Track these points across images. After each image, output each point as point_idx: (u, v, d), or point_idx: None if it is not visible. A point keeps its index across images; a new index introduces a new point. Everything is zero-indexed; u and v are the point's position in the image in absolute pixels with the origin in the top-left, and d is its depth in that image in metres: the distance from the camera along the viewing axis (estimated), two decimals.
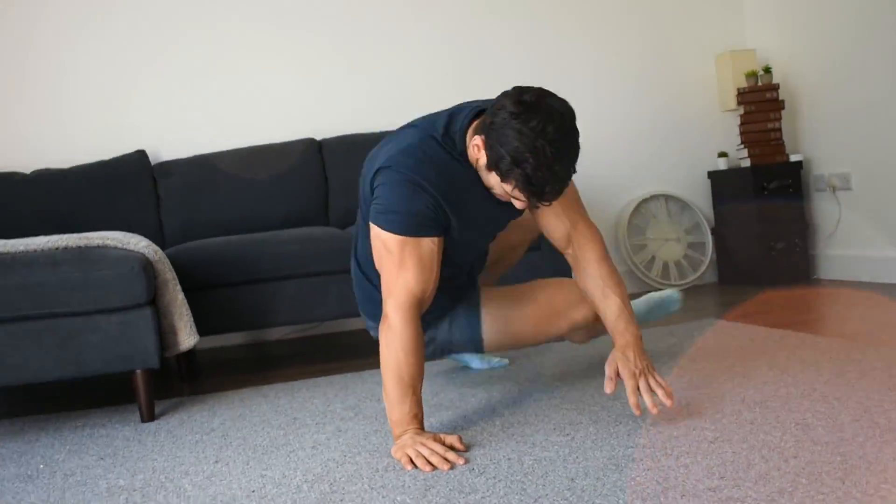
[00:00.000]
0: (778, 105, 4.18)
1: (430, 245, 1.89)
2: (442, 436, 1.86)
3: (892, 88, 3.73)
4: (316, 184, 3.76)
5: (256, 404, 2.52)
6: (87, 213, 3.49)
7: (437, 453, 1.77)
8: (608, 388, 1.92)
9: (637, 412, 1.86)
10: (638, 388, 1.88)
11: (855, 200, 4.03)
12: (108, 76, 3.77)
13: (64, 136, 3.73)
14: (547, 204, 1.80)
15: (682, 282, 4.40)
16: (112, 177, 3.57)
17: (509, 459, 1.76)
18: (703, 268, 4.46)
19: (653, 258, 4.41)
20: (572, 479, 1.60)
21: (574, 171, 1.76)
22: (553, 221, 2.03)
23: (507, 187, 1.75)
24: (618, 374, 1.92)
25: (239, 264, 3.06)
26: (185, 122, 3.85)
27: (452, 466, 1.74)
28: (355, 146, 3.83)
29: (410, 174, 1.83)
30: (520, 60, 4.26)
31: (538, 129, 1.66)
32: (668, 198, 4.49)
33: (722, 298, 3.91)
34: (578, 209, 2.04)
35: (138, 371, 2.42)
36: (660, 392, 1.88)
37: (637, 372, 1.90)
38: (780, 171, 4.16)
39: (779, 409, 1.93)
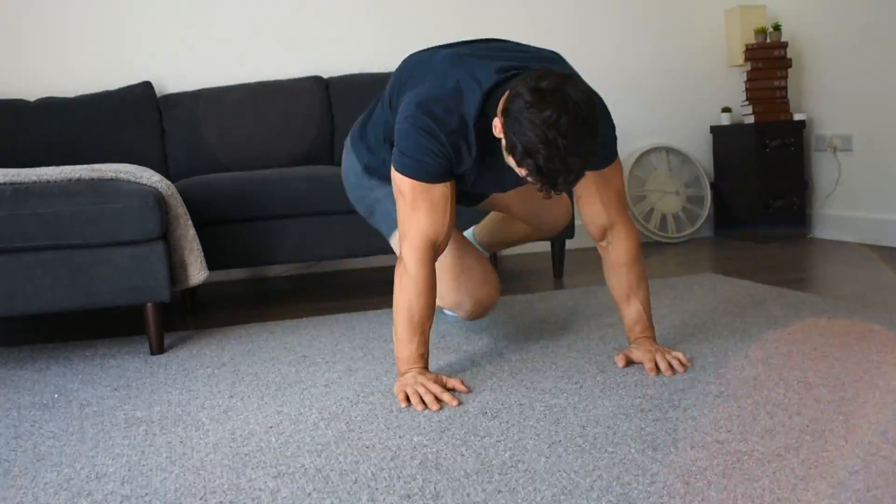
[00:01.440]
0: (785, 63, 4.18)
1: (442, 189, 1.91)
2: (444, 378, 1.92)
3: None
4: (322, 122, 3.76)
5: (264, 340, 2.56)
6: (91, 143, 3.48)
7: (432, 393, 1.83)
8: (619, 363, 2.05)
9: (653, 374, 1.97)
10: (655, 363, 1.99)
11: (855, 162, 4.06)
12: (113, 6, 3.72)
13: (67, 65, 3.69)
14: (560, 192, 1.78)
15: (679, 234, 4.45)
16: (117, 107, 3.55)
17: (521, 405, 1.81)
18: (701, 221, 4.50)
19: (651, 210, 4.45)
20: (584, 427, 1.65)
21: (592, 161, 1.74)
22: (593, 211, 2.04)
23: (522, 172, 1.75)
24: (629, 362, 2.05)
25: (245, 201, 3.07)
26: (191, 54, 3.82)
27: (441, 408, 1.80)
28: (361, 86, 3.82)
29: (432, 124, 1.83)
30: (528, 3, 4.23)
31: (550, 121, 1.62)
32: (669, 150, 4.51)
33: (719, 253, 3.96)
34: (620, 206, 2.04)
35: (149, 304, 2.45)
36: (675, 363, 1.98)
37: (653, 350, 2.02)
38: (782, 129, 4.18)
39: (781, 366, 1.98)
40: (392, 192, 2.07)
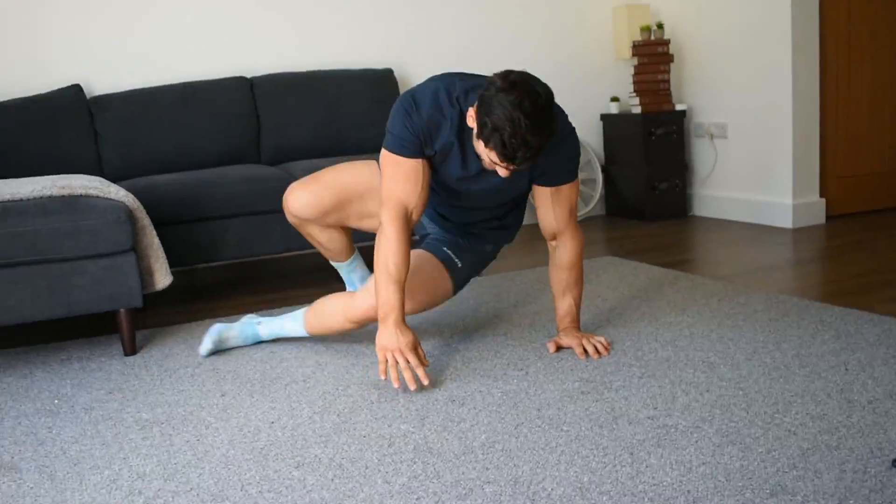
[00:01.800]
0: (668, 58, 4.64)
1: (414, 164, 2.23)
2: (416, 340, 2.21)
3: (767, 49, 4.24)
4: (248, 121, 3.96)
5: None
6: (25, 147, 3.57)
7: (410, 369, 2.15)
8: (551, 348, 2.44)
9: (582, 357, 2.36)
10: (583, 347, 2.38)
11: (729, 148, 4.58)
12: (37, 9, 3.79)
13: None
14: (517, 167, 2.08)
15: None
16: (49, 111, 3.65)
17: (481, 392, 2.16)
18: (594, 202, 4.94)
19: None
20: (539, 409, 2.02)
21: (547, 144, 2.05)
22: (548, 218, 2.39)
23: (489, 154, 2.06)
24: (559, 348, 2.44)
25: (188, 203, 3.28)
26: (118, 56, 3.93)
27: (419, 389, 2.15)
28: (285, 85, 4.05)
29: (412, 104, 2.18)
30: (433, 5, 4.52)
31: (516, 103, 1.97)
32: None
33: (613, 233, 4.41)
34: (571, 217, 2.40)
35: (122, 310, 2.66)
36: (600, 347, 2.38)
37: (579, 336, 2.42)
38: (666, 118, 4.65)
39: (687, 347, 2.41)
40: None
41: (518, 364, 2.36)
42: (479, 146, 2.10)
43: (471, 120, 2.10)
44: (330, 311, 2.48)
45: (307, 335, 2.58)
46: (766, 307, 2.75)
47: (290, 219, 2.60)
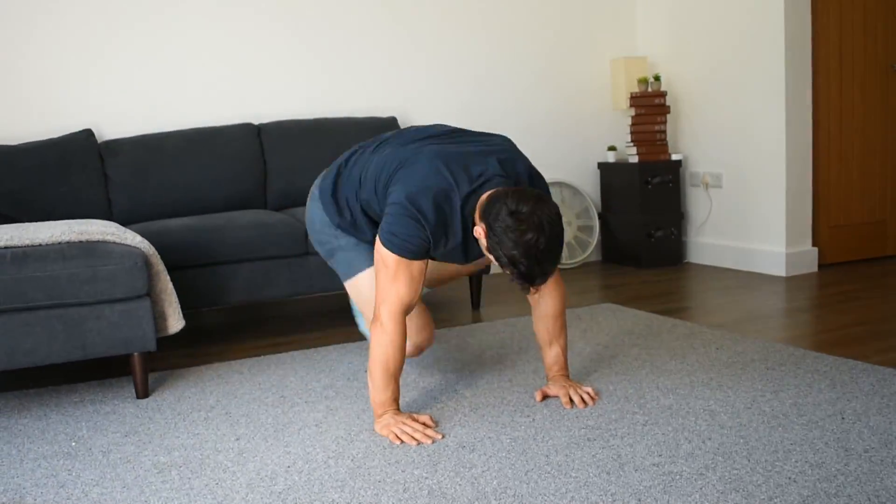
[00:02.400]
0: (664, 109, 4.77)
1: (419, 266, 2.31)
2: (415, 415, 2.32)
3: (761, 102, 4.37)
4: (255, 167, 4.06)
5: (237, 381, 2.86)
6: (38, 190, 3.65)
7: (419, 430, 2.22)
8: (537, 397, 2.51)
9: (568, 407, 2.43)
10: (569, 397, 2.46)
11: (724, 197, 4.69)
12: (51, 55, 3.89)
13: (8, 115, 3.84)
14: (536, 287, 2.21)
15: (573, 260, 4.97)
16: (61, 155, 3.74)
17: (490, 438, 2.22)
18: (591, 248, 5.04)
19: None
20: (547, 456, 2.08)
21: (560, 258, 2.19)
22: None
23: (504, 270, 2.17)
24: (546, 396, 2.51)
25: (199, 248, 3.35)
26: (128, 102, 4.03)
27: (434, 441, 2.21)
28: (291, 132, 4.15)
29: (419, 216, 2.23)
30: (441, 55, 4.65)
31: (531, 242, 2.07)
32: (561, 185, 5.02)
33: (610, 280, 4.50)
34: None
35: (136, 353, 2.72)
36: (585, 396, 2.46)
37: (567, 386, 2.49)
38: (662, 167, 4.77)
39: (688, 395, 2.48)
40: (354, 243, 2.58)
41: (524, 410, 2.43)
42: (488, 254, 2.21)
43: (480, 235, 2.19)
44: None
45: None
46: (763, 356, 2.83)
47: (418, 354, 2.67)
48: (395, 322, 2.29)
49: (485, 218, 2.15)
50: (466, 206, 2.25)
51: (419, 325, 2.62)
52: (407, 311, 2.32)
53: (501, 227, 2.09)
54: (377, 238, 2.33)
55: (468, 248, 2.36)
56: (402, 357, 2.31)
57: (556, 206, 2.15)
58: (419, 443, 2.20)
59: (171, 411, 2.59)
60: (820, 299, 3.76)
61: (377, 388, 2.31)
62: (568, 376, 2.56)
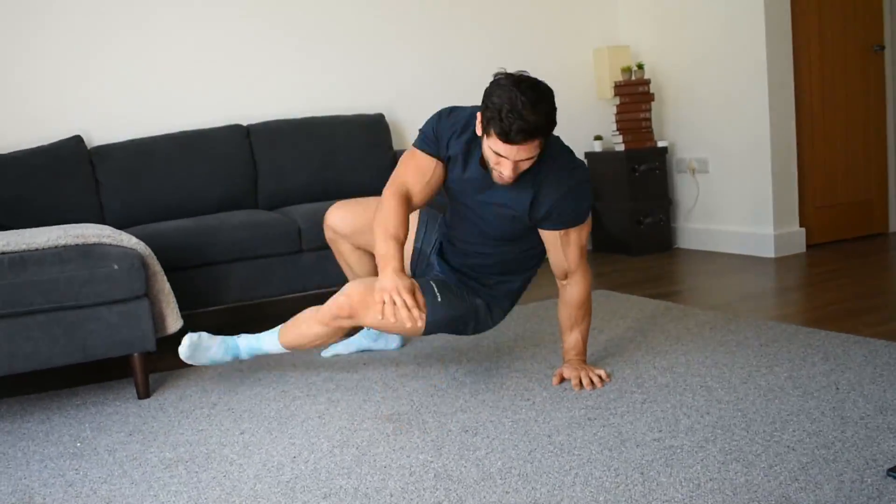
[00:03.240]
0: (649, 97, 4.81)
1: (427, 160, 2.44)
2: (415, 288, 2.34)
3: (744, 87, 4.42)
4: (245, 168, 4.07)
5: (237, 378, 2.88)
6: (28, 198, 3.65)
7: (406, 307, 2.26)
8: (554, 381, 2.53)
9: (577, 388, 2.46)
10: (580, 379, 2.47)
11: (711, 182, 4.74)
12: (38, 64, 3.90)
13: None
14: (520, 151, 2.16)
15: None
16: (51, 162, 3.74)
17: (492, 422, 2.25)
18: None
19: None
20: (549, 436, 2.11)
21: (544, 127, 2.16)
22: (559, 257, 2.48)
23: (491, 144, 2.18)
24: (562, 380, 2.53)
25: (193, 249, 3.37)
26: (117, 107, 4.03)
27: (412, 324, 2.27)
28: (280, 131, 4.17)
29: (449, 110, 2.44)
30: (426, 50, 4.68)
31: (514, 84, 2.14)
32: None
33: (602, 268, 4.53)
34: (581, 256, 2.49)
35: (136, 354, 2.73)
36: (595, 379, 2.47)
37: (579, 369, 2.51)
38: (648, 155, 4.81)
39: (684, 374, 2.51)
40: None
41: (524, 395, 2.46)
42: (484, 145, 2.23)
43: (479, 128, 2.25)
44: (302, 318, 2.61)
45: (283, 348, 2.66)
46: (757, 333, 2.87)
47: (327, 233, 2.82)
48: (394, 196, 2.41)
49: (483, 97, 2.22)
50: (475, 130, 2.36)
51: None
52: (407, 194, 2.42)
53: (491, 87, 2.18)
54: None
55: (468, 171, 2.40)
56: (401, 222, 2.38)
57: (546, 84, 2.21)
58: (396, 321, 2.27)
59: (173, 410, 2.61)
60: (809, 278, 3.80)
61: (378, 243, 2.38)
62: (584, 361, 2.58)
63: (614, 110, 4.89)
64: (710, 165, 4.72)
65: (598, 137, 5.05)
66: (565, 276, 2.52)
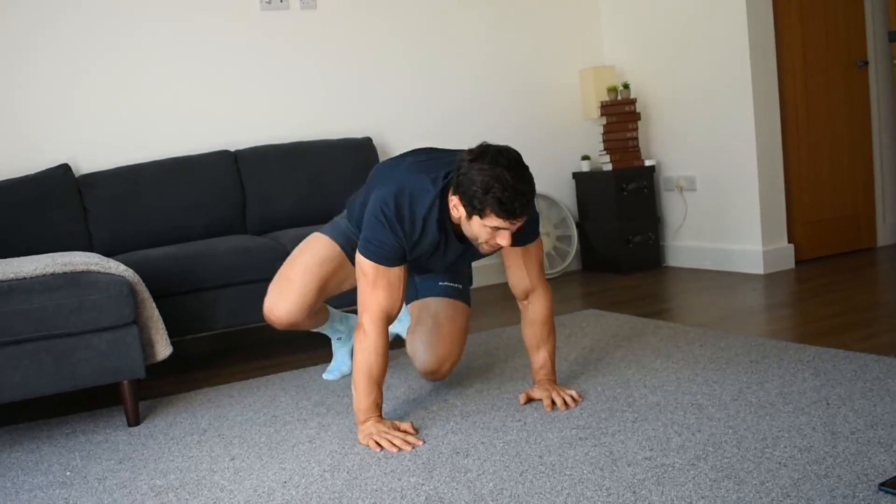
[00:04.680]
0: (635, 116, 4.84)
1: (397, 272, 2.36)
2: (397, 423, 2.36)
3: (730, 104, 4.45)
4: (233, 193, 4.07)
5: (227, 404, 2.87)
6: (16, 227, 3.64)
7: (399, 437, 2.27)
8: (521, 400, 2.54)
9: (548, 409, 2.46)
10: (552, 400, 2.48)
11: (699, 200, 4.76)
12: (24, 93, 3.90)
13: None
14: (520, 222, 2.18)
15: (553, 270, 5.01)
16: (38, 191, 3.73)
17: (483, 443, 2.25)
18: (570, 258, 5.09)
19: None
20: (540, 457, 2.11)
21: (534, 190, 2.18)
22: (519, 277, 2.50)
23: (488, 222, 2.16)
24: (530, 399, 2.54)
25: (181, 275, 3.36)
26: (104, 135, 4.04)
27: (414, 447, 2.24)
28: (268, 157, 4.17)
29: (393, 219, 2.27)
30: (412, 74, 4.70)
31: (493, 163, 2.12)
32: (538, 196, 5.07)
33: (591, 287, 4.54)
34: (540, 273, 2.52)
35: (125, 381, 2.72)
36: (568, 399, 2.48)
37: (550, 389, 2.51)
38: (636, 174, 4.83)
39: (675, 392, 2.51)
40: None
41: (515, 416, 2.46)
42: (474, 225, 2.20)
43: (455, 210, 2.23)
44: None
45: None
46: (747, 350, 2.87)
47: (280, 328, 2.72)
48: (378, 329, 2.33)
49: (455, 187, 2.18)
50: (442, 204, 2.29)
51: (428, 343, 2.64)
52: (389, 318, 2.36)
53: (463, 171, 2.14)
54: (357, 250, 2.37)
55: (447, 249, 2.38)
56: (384, 363, 2.35)
57: (510, 147, 2.19)
58: (399, 449, 2.23)
59: (163, 437, 2.60)
60: (799, 294, 3.82)
61: (360, 393, 2.34)
62: (554, 381, 2.58)
63: (601, 130, 4.91)
64: (698, 183, 4.75)
65: (585, 157, 5.07)
66: (526, 296, 2.54)
